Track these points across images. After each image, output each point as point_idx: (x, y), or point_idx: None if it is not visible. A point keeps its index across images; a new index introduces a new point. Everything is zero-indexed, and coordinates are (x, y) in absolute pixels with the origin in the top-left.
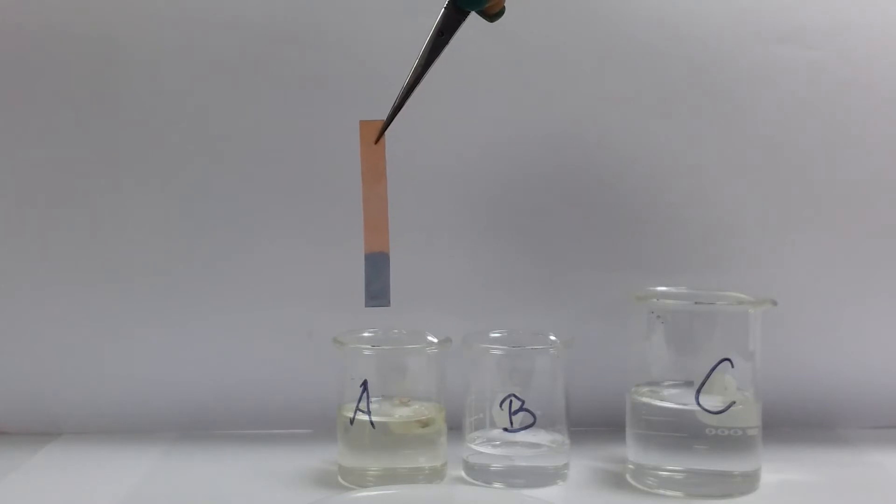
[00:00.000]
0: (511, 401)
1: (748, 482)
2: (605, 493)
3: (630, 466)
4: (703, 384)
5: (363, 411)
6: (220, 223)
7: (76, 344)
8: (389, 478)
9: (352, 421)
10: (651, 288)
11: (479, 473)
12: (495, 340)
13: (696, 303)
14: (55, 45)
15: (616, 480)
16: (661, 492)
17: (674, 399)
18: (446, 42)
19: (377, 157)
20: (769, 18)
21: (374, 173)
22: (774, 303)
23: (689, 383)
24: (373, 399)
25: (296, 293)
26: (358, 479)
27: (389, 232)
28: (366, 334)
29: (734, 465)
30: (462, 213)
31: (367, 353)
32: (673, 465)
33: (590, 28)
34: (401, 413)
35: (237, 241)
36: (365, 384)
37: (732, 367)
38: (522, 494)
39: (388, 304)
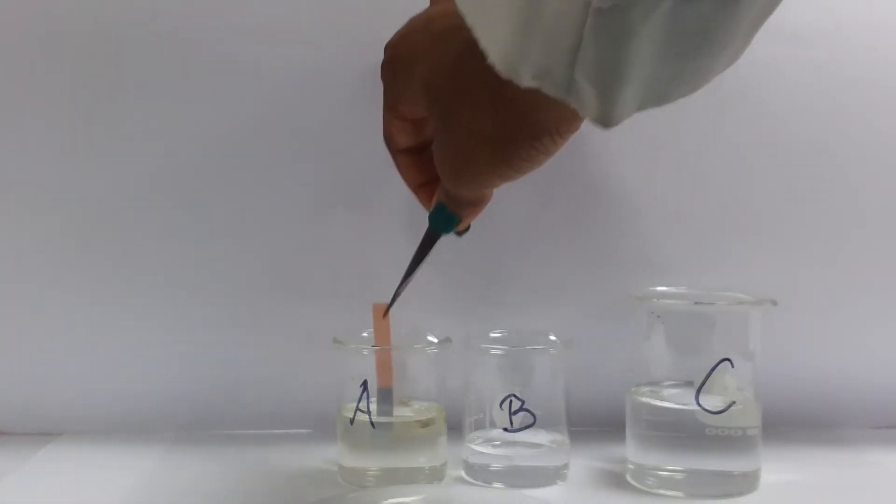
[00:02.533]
0: (511, 401)
1: (748, 482)
2: (605, 493)
3: (630, 466)
4: (703, 384)
5: (363, 411)
6: (220, 223)
7: (76, 344)
8: (389, 478)
9: (352, 421)
10: (651, 288)
11: (479, 473)
12: (495, 340)
13: (696, 303)
14: (55, 45)
15: (616, 480)
16: (661, 492)
17: (674, 399)
18: (432, 246)
19: (385, 325)
20: (769, 18)
21: (383, 336)
22: (774, 303)
23: (689, 383)
24: (373, 399)
25: (296, 293)
26: (358, 479)
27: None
28: (366, 334)
29: (734, 465)
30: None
31: (366, 353)
32: (673, 465)
33: None
34: (401, 413)
35: (237, 241)
36: (365, 384)
37: (732, 367)
38: (522, 494)
39: (392, 416)
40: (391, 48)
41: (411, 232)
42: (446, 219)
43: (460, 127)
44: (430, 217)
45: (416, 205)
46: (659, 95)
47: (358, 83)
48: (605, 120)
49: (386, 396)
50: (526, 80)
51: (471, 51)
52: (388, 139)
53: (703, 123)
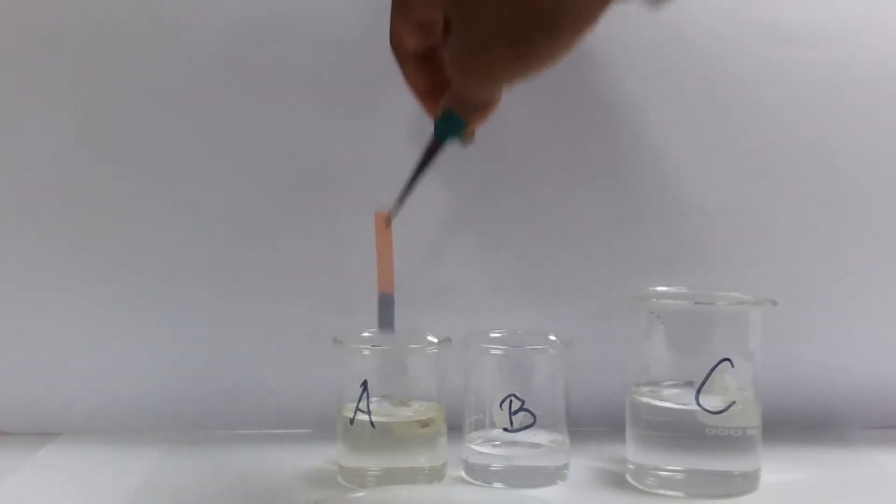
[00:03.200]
0: (511, 401)
1: (748, 482)
2: (605, 493)
3: (630, 466)
4: (703, 384)
5: (363, 411)
6: (220, 223)
7: (76, 344)
8: (389, 478)
9: (352, 421)
10: (651, 288)
11: (479, 473)
12: (495, 340)
13: (696, 303)
14: (55, 45)
15: (616, 480)
16: (661, 492)
17: (674, 399)
18: (436, 156)
19: (387, 236)
20: (770, 18)
21: (385, 247)
22: (774, 303)
23: (689, 383)
24: (373, 399)
25: (296, 293)
26: (358, 479)
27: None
28: (366, 334)
29: (734, 465)
30: (461, 212)
31: (367, 353)
32: (673, 465)
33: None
34: (401, 413)
35: (237, 241)
36: (365, 384)
37: (732, 367)
38: (522, 494)
39: (393, 331)
40: None
41: (411, 233)
42: (454, 124)
43: (479, 20)
44: (435, 124)
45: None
46: None
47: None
48: None
49: (387, 305)
50: None
51: None
52: (396, 43)
53: (703, 123)
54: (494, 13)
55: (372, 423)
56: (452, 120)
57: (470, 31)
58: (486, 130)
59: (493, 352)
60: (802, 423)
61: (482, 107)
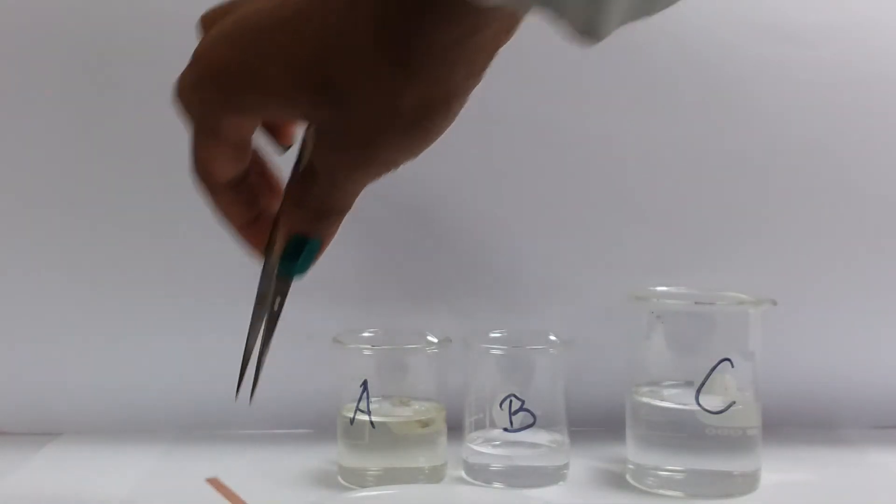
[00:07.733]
0: (511, 401)
1: (748, 482)
2: (605, 493)
3: (630, 466)
4: (703, 384)
5: (363, 411)
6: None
7: (76, 344)
8: (389, 478)
9: (352, 421)
10: (651, 288)
11: (479, 473)
12: (495, 340)
13: (696, 303)
14: (55, 45)
15: (616, 480)
16: (661, 492)
17: (674, 399)
18: (282, 306)
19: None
20: (769, 18)
21: None
22: (774, 303)
23: (689, 383)
24: (373, 399)
25: (295, 293)
26: (358, 479)
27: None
28: (366, 334)
29: (734, 465)
30: (461, 211)
31: (367, 353)
32: (673, 465)
33: None
34: (401, 413)
35: (236, 242)
36: (365, 384)
37: (732, 367)
38: (522, 494)
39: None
40: (217, 57)
41: (411, 231)
42: (309, 249)
43: (367, 104)
44: (284, 255)
45: (417, 200)
46: (648, 4)
47: None
48: (593, 30)
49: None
50: None
51: (356, 14)
52: (206, 173)
53: (703, 123)
54: (386, 90)
55: (372, 423)
56: (305, 245)
57: (353, 117)
58: (487, 127)
59: (493, 352)
60: (802, 423)
61: (340, 214)
